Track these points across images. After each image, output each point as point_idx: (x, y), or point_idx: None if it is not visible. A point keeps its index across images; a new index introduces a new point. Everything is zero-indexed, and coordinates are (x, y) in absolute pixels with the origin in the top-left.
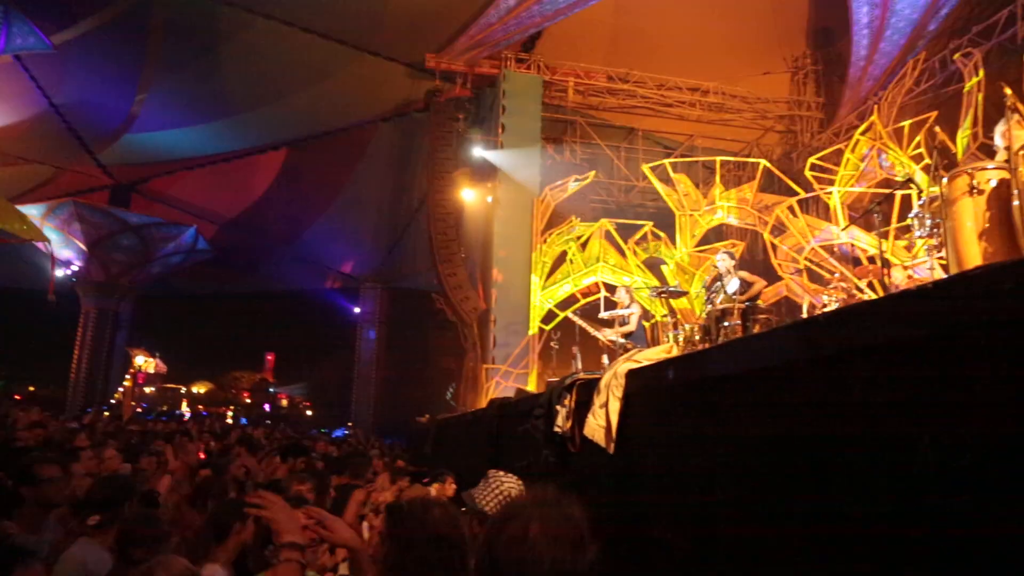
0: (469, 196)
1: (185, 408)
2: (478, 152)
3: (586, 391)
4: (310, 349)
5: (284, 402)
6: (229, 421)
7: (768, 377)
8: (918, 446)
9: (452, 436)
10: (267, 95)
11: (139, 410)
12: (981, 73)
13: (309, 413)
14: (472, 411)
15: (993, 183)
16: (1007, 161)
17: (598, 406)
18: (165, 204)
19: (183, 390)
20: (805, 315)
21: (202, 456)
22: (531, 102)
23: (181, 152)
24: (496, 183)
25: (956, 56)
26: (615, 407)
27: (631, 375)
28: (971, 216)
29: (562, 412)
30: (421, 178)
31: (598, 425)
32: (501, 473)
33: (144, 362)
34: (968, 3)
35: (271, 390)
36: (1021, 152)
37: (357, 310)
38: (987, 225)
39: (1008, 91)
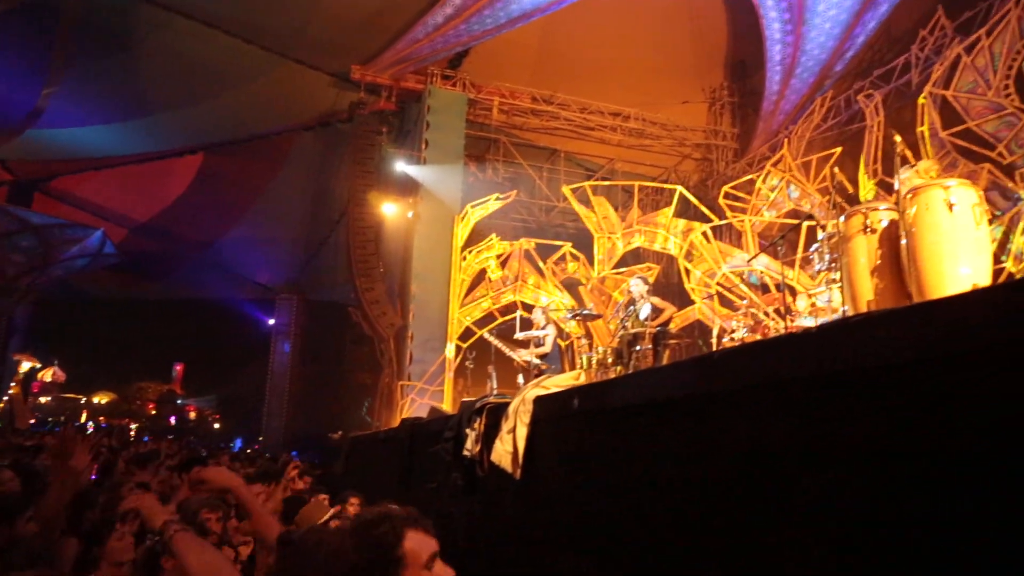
0: (390, 210)
1: (86, 419)
2: (400, 166)
3: (496, 415)
4: (222, 360)
5: (192, 415)
6: (133, 434)
7: (667, 409)
8: (799, 483)
9: (364, 454)
10: (185, 97)
11: (32, 421)
12: (881, 113)
13: (217, 426)
14: (384, 430)
15: (884, 223)
16: (897, 203)
17: (506, 431)
18: (71, 205)
19: (83, 400)
20: (715, 339)
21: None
22: (455, 119)
23: (90, 151)
24: (417, 198)
25: (859, 96)
26: (522, 433)
27: (539, 401)
28: (864, 253)
29: (471, 435)
30: (342, 190)
31: (505, 451)
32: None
33: (40, 370)
34: (870, 48)
35: (179, 402)
36: (909, 196)
37: (272, 321)
38: (878, 262)
39: (898, 138)
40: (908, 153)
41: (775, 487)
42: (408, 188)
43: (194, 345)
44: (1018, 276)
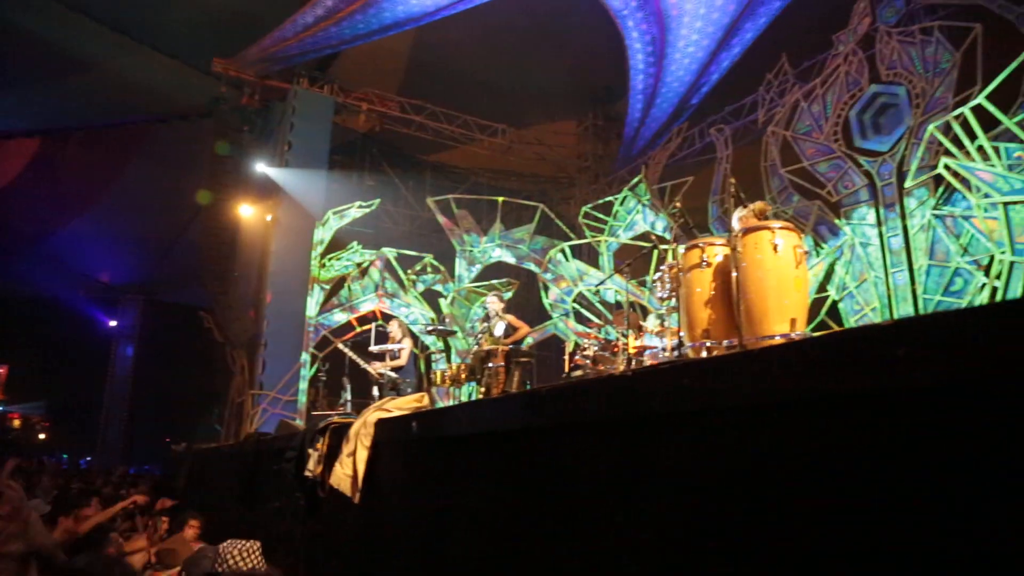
0: (247, 212)
1: None
2: (261, 168)
3: (339, 436)
4: (54, 363)
5: (16, 423)
6: None
7: (499, 440)
8: (613, 520)
9: (209, 469)
10: (23, 76)
11: None
12: (730, 147)
13: (43, 436)
14: (229, 444)
15: (719, 257)
16: (729, 240)
17: (346, 454)
18: None
19: None
20: (567, 356)
21: None
22: (321, 122)
23: None
24: (277, 201)
25: (711, 130)
26: (363, 456)
27: (380, 424)
28: (700, 284)
29: (314, 456)
30: (197, 188)
31: (345, 474)
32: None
33: None
34: (724, 85)
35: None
36: (740, 235)
37: (113, 323)
38: (712, 294)
39: (732, 180)
40: (742, 195)
41: (592, 520)
42: (268, 190)
43: (22, 346)
44: (839, 304)
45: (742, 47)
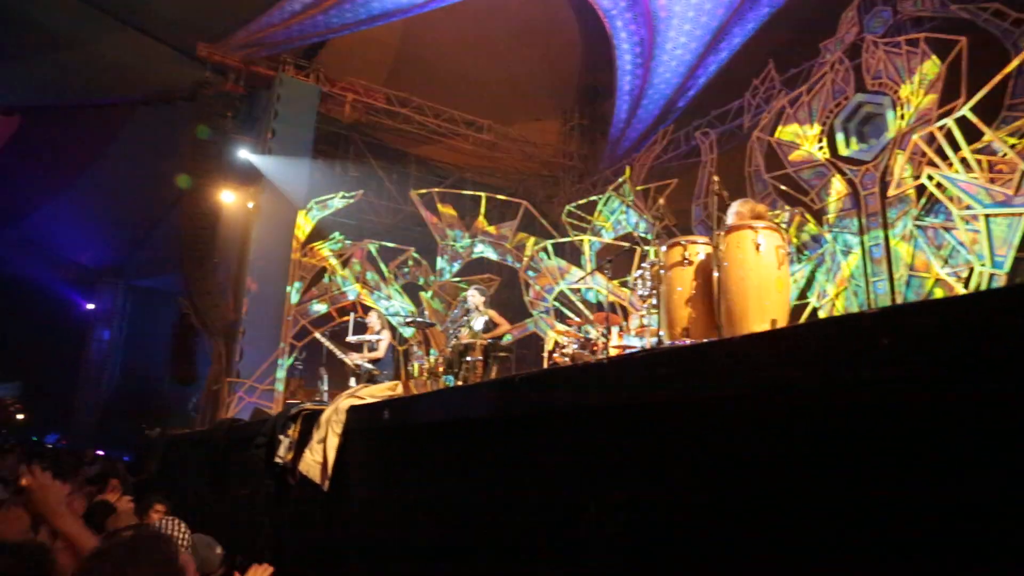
0: (229, 199)
1: None
2: (244, 154)
3: (311, 423)
4: (30, 345)
5: None
6: None
7: (467, 430)
8: (587, 508)
9: (180, 454)
10: (3, 51)
11: None
12: (715, 151)
13: (21, 417)
14: (201, 430)
15: (701, 256)
16: (711, 239)
17: (316, 441)
18: None
19: None
20: (546, 353)
21: None
22: (306, 111)
23: None
24: (259, 189)
25: (697, 133)
26: (333, 443)
27: (352, 411)
28: (682, 282)
29: (285, 442)
30: (178, 172)
31: (314, 461)
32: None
33: None
34: (710, 89)
35: None
36: (722, 233)
37: (91, 306)
38: (694, 292)
39: (716, 178)
40: (724, 193)
41: (564, 509)
42: (250, 177)
43: None
44: (820, 310)
45: (730, 51)
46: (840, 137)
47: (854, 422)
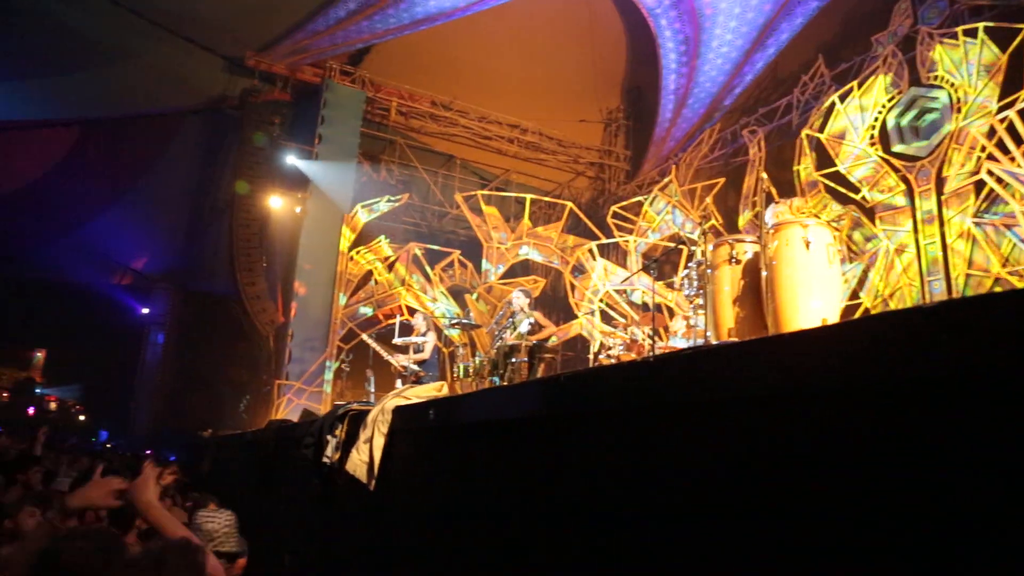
0: (277, 204)
1: None
2: (291, 160)
3: (358, 423)
4: (88, 349)
5: (53, 405)
6: None
7: (511, 429)
8: (623, 509)
9: (232, 455)
10: (62, 64)
11: None
12: (763, 149)
13: (82, 418)
14: (251, 431)
15: (749, 255)
16: (760, 237)
17: (362, 441)
18: None
19: None
20: (592, 355)
21: None
22: (351, 116)
23: None
24: (307, 194)
25: (744, 131)
26: (379, 443)
27: (398, 412)
28: (729, 282)
29: (332, 442)
30: (228, 179)
31: (361, 460)
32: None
33: None
34: (757, 87)
35: (38, 391)
36: (771, 231)
37: (145, 310)
38: (741, 292)
39: (764, 175)
40: (773, 190)
41: (606, 510)
42: (298, 183)
43: (57, 332)
44: (873, 311)
45: (777, 47)
46: (894, 133)
47: (910, 420)
